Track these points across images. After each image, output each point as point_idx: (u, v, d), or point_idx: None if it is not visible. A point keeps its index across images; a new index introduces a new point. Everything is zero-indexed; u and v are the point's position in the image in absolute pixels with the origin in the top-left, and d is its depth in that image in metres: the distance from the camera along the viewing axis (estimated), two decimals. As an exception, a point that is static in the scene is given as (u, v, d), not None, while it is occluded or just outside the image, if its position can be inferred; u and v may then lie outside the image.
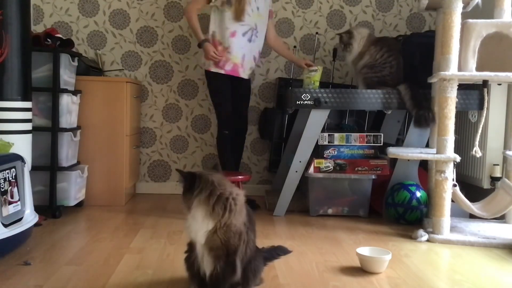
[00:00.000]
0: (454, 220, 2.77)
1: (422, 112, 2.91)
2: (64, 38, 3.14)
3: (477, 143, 2.73)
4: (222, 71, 3.17)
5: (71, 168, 3.05)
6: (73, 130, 3.09)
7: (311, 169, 3.07)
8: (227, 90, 3.23)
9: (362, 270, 2.09)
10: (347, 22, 3.83)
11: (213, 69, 3.17)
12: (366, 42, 3.20)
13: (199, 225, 1.64)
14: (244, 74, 3.24)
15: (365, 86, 3.17)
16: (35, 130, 2.79)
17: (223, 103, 3.23)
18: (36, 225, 2.44)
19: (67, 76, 3.02)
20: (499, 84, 2.93)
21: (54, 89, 2.93)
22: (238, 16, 3.11)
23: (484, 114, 2.76)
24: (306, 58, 3.66)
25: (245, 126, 3.41)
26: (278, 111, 3.58)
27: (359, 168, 3.08)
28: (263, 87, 3.83)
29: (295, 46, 3.79)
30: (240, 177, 2.98)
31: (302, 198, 3.32)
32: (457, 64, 2.56)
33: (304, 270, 2.08)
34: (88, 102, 3.24)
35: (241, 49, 3.17)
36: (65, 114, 2.99)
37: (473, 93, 2.97)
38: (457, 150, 2.70)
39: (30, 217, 2.33)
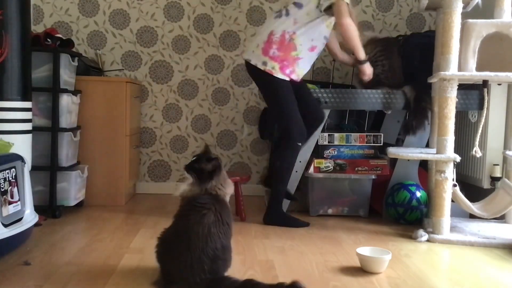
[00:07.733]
0: (454, 220, 2.77)
1: (410, 120, 2.98)
2: (64, 38, 3.14)
3: (477, 143, 2.73)
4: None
5: (71, 168, 3.05)
6: (73, 130, 3.09)
7: (311, 169, 3.06)
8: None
9: (362, 270, 2.08)
10: (347, 22, 3.82)
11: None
12: (365, 42, 3.20)
13: None
14: None
15: (358, 83, 3.17)
16: (35, 130, 2.79)
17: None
18: (36, 225, 2.43)
19: (67, 76, 3.02)
20: (499, 84, 2.93)
21: (54, 89, 2.93)
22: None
23: (484, 114, 2.76)
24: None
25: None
26: (278, 111, 3.57)
27: (359, 168, 3.08)
28: (263, 87, 3.82)
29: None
30: (239, 177, 2.98)
31: (302, 198, 3.31)
32: (457, 64, 2.56)
33: (304, 270, 2.08)
34: (88, 102, 3.24)
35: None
36: (65, 114, 2.99)
37: (473, 93, 2.97)
38: (457, 150, 2.70)
39: (30, 217, 2.33)
